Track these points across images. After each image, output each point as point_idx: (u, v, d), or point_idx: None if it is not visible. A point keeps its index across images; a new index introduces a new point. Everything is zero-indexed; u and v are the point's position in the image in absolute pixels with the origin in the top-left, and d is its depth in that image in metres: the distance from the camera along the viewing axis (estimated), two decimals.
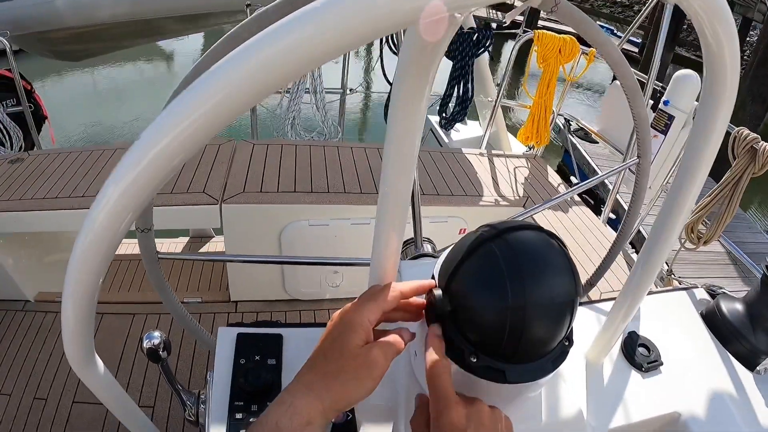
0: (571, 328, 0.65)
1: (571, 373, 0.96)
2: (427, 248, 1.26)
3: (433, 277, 0.67)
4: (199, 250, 3.96)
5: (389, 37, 3.50)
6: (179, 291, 3.33)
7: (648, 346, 1.04)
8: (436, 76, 0.53)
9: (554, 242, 0.62)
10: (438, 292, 0.63)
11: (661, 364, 1.02)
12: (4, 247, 2.85)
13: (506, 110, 8.04)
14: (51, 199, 2.68)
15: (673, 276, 3.68)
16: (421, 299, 0.68)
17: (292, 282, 3.13)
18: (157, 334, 0.99)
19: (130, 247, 3.69)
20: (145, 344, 0.97)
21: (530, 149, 3.97)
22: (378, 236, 0.67)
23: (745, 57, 15.71)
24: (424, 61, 0.49)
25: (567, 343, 0.65)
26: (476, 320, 0.60)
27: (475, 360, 0.61)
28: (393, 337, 0.62)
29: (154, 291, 1.23)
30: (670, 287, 1.33)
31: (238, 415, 0.82)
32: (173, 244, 4.03)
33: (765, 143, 2.55)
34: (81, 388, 2.49)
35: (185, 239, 4.14)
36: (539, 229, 0.64)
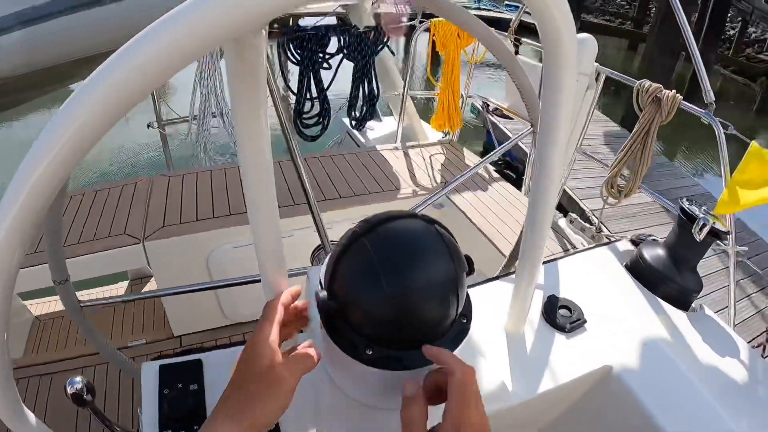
0: (467, 305, 0.68)
1: (492, 347, 0.95)
2: None
3: (320, 281, 0.69)
4: (142, 291, 3.90)
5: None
6: (124, 335, 3.27)
7: (569, 307, 1.04)
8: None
9: (430, 226, 0.65)
10: (323, 293, 0.65)
11: (585, 321, 1.02)
12: None
13: (428, 101, 8.13)
14: None
15: (605, 234, 3.77)
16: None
17: (229, 306, 3.11)
18: (78, 378, 1.00)
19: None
20: (69, 390, 0.98)
21: (446, 135, 4.04)
22: (258, 251, 0.70)
23: (650, 13, 16.24)
24: (249, 77, 0.53)
25: (465, 321, 0.68)
26: (361, 314, 0.63)
27: (370, 352, 0.63)
28: (298, 354, 0.64)
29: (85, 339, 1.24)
30: (593, 245, 1.33)
31: None
32: (113, 290, 3.95)
33: (668, 91, 2.63)
34: None
35: (125, 283, 4.07)
36: (413, 216, 0.66)
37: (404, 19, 3.93)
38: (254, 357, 0.62)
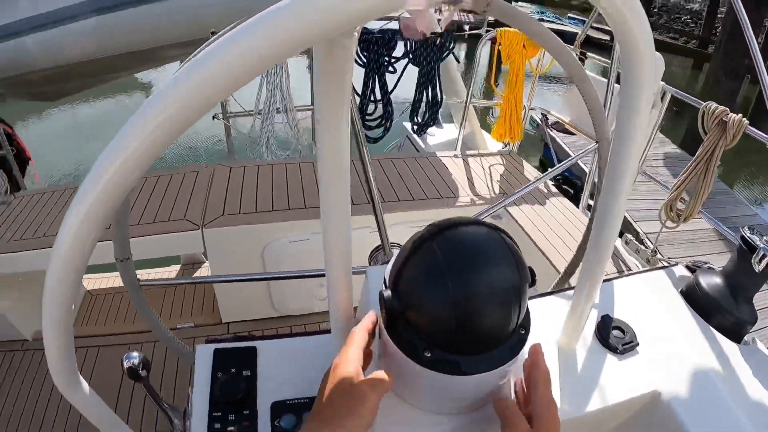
0: (527, 316, 0.68)
1: None
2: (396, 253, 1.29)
3: (384, 281, 0.70)
4: (194, 275, 3.99)
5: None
6: (172, 317, 3.36)
7: (622, 328, 1.02)
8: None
9: (496, 234, 0.65)
10: (387, 293, 0.66)
11: (637, 344, 1.00)
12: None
13: (487, 110, 8.09)
14: (40, 238, 2.72)
15: (658, 257, 3.69)
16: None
17: (279, 298, 3.16)
18: (135, 354, 1.01)
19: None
20: (125, 364, 0.99)
21: (505, 146, 4.01)
22: (326, 249, 0.71)
23: (716, 33, 15.80)
24: (337, 77, 0.53)
25: (523, 331, 0.68)
26: (424, 316, 0.63)
27: (429, 355, 0.63)
28: (378, 373, 0.67)
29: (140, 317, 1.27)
30: (648, 267, 1.31)
31: (217, 425, 0.85)
32: (166, 272, 4.06)
33: (734, 115, 2.56)
34: (83, 425, 2.51)
35: (177, 267, 4.17)
36: (480, 223, 0.66)
37: (465, 27, 3.92)
38: (341, 377, 0.65)
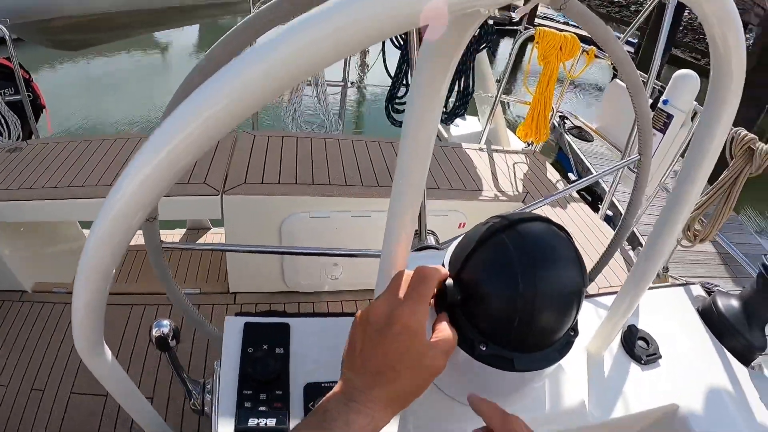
0: (577, 319, 0.67)
1: (573, 364, 0.96)
2: (431, 240, 1.27)
3: (444, 265, 0.68)
4: (197, 241, 3.95)
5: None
6: (177, 282, 3.33)
7: (647, 339, 1.06)
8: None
9: (563, 234, 0.64)
10: (449, 281, 0.64)
11: (660, 357, 1.04)
12: (1, 237, 2.84)
13: (504, 106, 8.07)
14: (49, 188, 2.67)
15: (668, 274, 3.70)
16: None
17: (291, 274, 3.13)
18: (166, 322, 0.98)
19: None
20: (154, 332, 0.96)
21: (529, 145, 3.99)
22: (391, 226, 0.67)
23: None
24: (449, 52, 0.51)
25: (573, 334, 0.67)
26: (487, 309, 0.62)
27: (484, 348, 0.62)
28: (447, 333, 0.61)
29: (152, 281, 1.23)
30: (668, 283, 1.34)
31: (247, 404, 0.82)
32: (171, 235, 4.02)
33: (762, 144, 2.58)
34: (79, 379, 2.48)
35: (182, 230, 4.14)
36: (548, 221, 0.65)
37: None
38: (417, 346, 0.58)
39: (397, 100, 3.64)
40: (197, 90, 0.33)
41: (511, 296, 0.59)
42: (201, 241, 4.01)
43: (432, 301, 0.66)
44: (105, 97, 9.61)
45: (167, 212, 2.78)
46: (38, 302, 2.95)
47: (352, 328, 0.63)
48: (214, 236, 4.05)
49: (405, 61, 3.48)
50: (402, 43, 3.46)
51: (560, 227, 0.65)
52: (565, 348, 0.66)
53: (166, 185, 0.37)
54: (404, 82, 3.55)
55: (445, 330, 0.62)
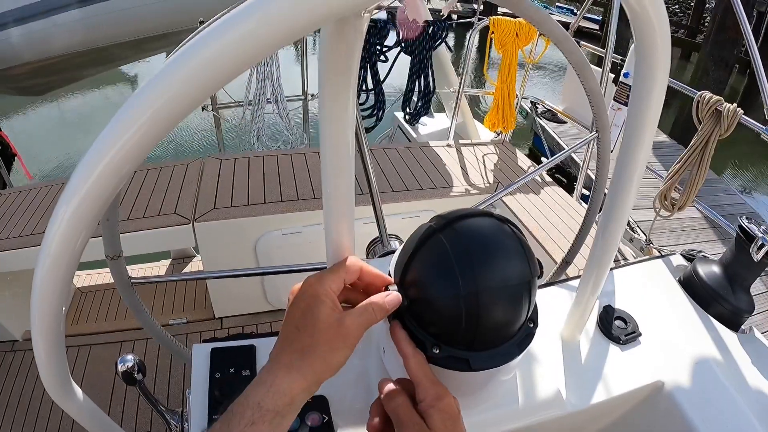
0: (535, 310, 0.66)
1: (547, 353, 0.95)
2: (395, 245, 1.26)
3: (389, 274, 0.68)
4: (183, 271, 3.94)
5: None
6: (164, 313, 3.31)
7: (625, 319, 1.04)
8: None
9: (505, 226, 0.63)
10: (393, 287, 0.64)
11: (640, 335, 1.01)
12: None
13: (476, 99, 8.07)
14: (28, 236, 2.64)
15: (652, 245, 3.70)
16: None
17: (273, 292, 3.12)
18: (130, 357, 0.98)
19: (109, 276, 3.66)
20: (120, 368, 0.97)
21: (498, 135, 3.99)
22: (329, 232, 0.68)
23: (704, 23, 15.91)
24: (345, 56, 0.50)
25: (531, 325, 0.66)
26: (432, 311, 0.61)
27: (437, 351, 0.61)
28: (364, 306, 0.61)
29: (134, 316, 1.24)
30: (647, 257, 1.31)
31: None
32: (156, 268, 4.00)
33: (729, 104, 2.57)
34: (76, 426, 2.47)
35: (167, 261, 4.12)
36: (488, 214, 0.64)
37: (454, 16, 3.89)
38: (317, 306, 0.58)
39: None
40: (117, 113, 0.36)
41: (453, 296, 0.58)
42: (187, 269, 3.98)
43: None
44: (80, 137, 9.54)
45: (141, 246, 2.77)
46: (30, 350, 2.90)
47: None
48: (199, 263, 4.03)
49: (362, 67, 3.48)
50: None
51: (503, 219, 0.64)
52: (524, 341, 0.65)
53: (100, 209, 0.38)
54: (363, 88, 3.55)
55: (366, 301, 0.62)
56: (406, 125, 4.78)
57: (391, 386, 0.61)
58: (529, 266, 0.61)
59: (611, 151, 1.28)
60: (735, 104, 2.58)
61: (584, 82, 1.11)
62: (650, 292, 1.14)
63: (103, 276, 3.62)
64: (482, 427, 0.77)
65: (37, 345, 0.51)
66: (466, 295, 0.57)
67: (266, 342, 0.97)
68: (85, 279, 3.61)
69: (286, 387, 0.54)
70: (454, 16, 3.66)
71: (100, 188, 0.37)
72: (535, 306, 0.67)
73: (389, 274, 0.67)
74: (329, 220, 0.66)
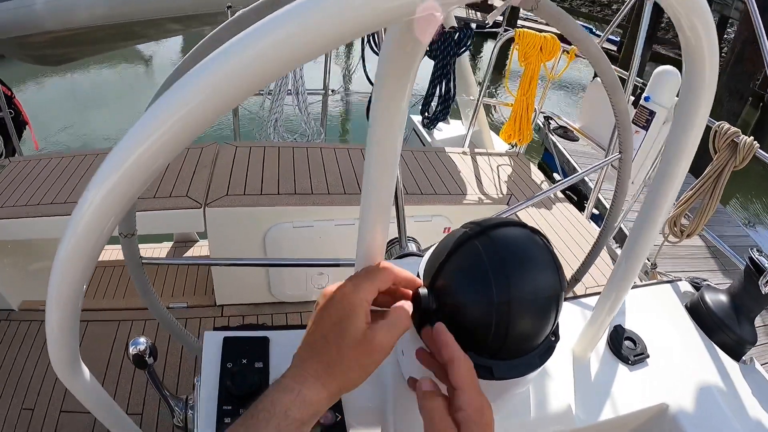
0: (557, 324, 0.65)
1: (559, 368, 0.96)
2: (412, 247, 1.26)
3: (418, 276, 0.67)
4: (184, 255, 3.93)
5: (371, 38, 3.50)
6: (164, 296, 3.30)
7: (634, 339, 1.05)
8: (417, 76, 0.53)
9: (538, 238, 0.63)
10: (423, 290, 0.63)
11: (648, 356, 1.03)
12: None
13: (488, 109, 8.09)
14: (33, 206, 2.63)
15: (656, 270, 3.71)
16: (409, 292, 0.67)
17: (277, 284, 3.11)
18: (142, 339, 0.98)
19: (114, 253, 3.64)
20: (131, 350, 0.96)
21: (513, 147, 3.99)
22: (363, 231, 0.66)
23: (722, 54, 15.89)
24: (406, 59, 0.49)
25: (553, 338, 0.66)
26: (462, 317, 0.60)
27: None
28: (396, 315, 0.60)
29: (139, 297, 1.23)
30: (655, 280, 1.34)
31: (227, 419, 0.80)
32: (157, 249, 3.99)
33: (745, 137, 2.58)
34: (69, 396, 2.45)
35: (169, 244, 4.10)
36: (522, 225, 0.64)
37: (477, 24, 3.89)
38: (350, 318, 0.57)
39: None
40: (157, 101, 0.33)
41: (485, 304, 0.58)
42: (188, 253, 3.97)
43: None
44: (90, 111, 9.57)
45: (150, 227, 2.76)
46: (26, 321, 2.92)
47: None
48: (202, 248, 4.02)
49: None
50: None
51: (535, 231, 0.64)
52: (545, 353, 0.65)
53: (132, 197, 0.37)
54: None
55: (395, 309, 0.61)
56: (422, 129, 4.77)
57: (429, 384, 0.60)
58: (560, 279, 0.61)
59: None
60: (752, 137, 2.59)
61: (614, 103, 1.12)
62: (658, 315, 1.15)
63: (104, 252, 3.60)
64: None
65: (50, 320, 0.50)
66: (498, 303, 0.57)
67: (280, 335, 0.97)
68: None
69: (314, 397, 0.54)
70: (474, 25, 3.65)
71: (136, 175, 0.36)
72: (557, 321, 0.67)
73: (418, 276, 0.67)
74: (366, 220, 0.65)
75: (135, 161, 0.35)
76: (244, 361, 0.90)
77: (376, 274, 0.62)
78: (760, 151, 2.60)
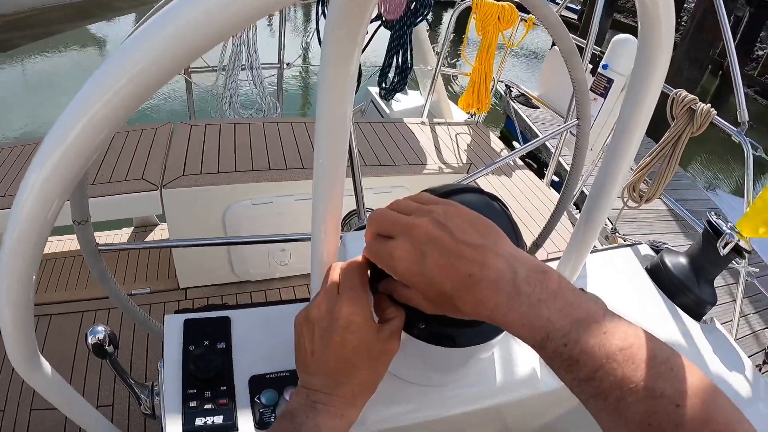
0: None
1: None
2: None
3: None
4: (146, 239, 3.86)
5: (324, 7, 3.43)
6: (126, 283, 3.24)
7: None
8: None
9: (495, 204, 0.63)
10: None
11: None
12: None
13: (448, 79, 8.06)
14: None
15: (617, 234, 3.78)
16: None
17: (240, 264, 3.08)
18: (100, 328, 0.94)
19: (73, 242, 3.56)
20: (89, 340, 0.92)
21: (471, 116, 3.99)
22: (317, 202, 0.65)
23: (683, 23, 16.13)
24: (354, 19, 0.48)
25: None
26: None
27: (423, 327, 0.61)
28: (393, 314, 0.61)
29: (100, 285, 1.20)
30: (615, 244, 1.34)
31: (192, 403, 0.79)
32: (117, 236, 3.91)
33: (702, 104, 2.63)
34: (38, 394, 2.40)
35: (130, 230, 4.02)
36: (479, 191, 0.64)
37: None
38: (367, 339, 0.58)
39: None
40: (92, 77, 0.33)
41: None
42: (150, 237, 3.90)
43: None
44: (43, 99, 9.26)
45: (106, 213, 2.68)
46: None
47: (296, 330, 0.62)
48: (162, 232, 3.94)
49: None
50: None
51: (493, 197, 0.64)
52: None
53: (74, 176, 0.36)
54: None
55: (390, 312, 0.61)
56: (380, 100, 4.74)
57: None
58: (518, 244, 0.60)
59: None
60: (709, 104, 2.64)
61: (571, 70, 1.12)
62: (619, 278, 1.16)
63: (64, 243, 3.51)
64: (460, 404, 0.78)
65: (3, 315, 0.48)
66: None
67: (240, 314, 0.95)
68: (49, 246, 3.49)
69: (353, 415, 0.59)
70: None
71: (76, 152, 0.35)
72: None
73: None
74: (319, 191, 0.63)
75: (73, 141, 0.34)
76: (206, 343, 0.88)
77: (359, 281, 0.61)
78: (717, 117, 2.65)
